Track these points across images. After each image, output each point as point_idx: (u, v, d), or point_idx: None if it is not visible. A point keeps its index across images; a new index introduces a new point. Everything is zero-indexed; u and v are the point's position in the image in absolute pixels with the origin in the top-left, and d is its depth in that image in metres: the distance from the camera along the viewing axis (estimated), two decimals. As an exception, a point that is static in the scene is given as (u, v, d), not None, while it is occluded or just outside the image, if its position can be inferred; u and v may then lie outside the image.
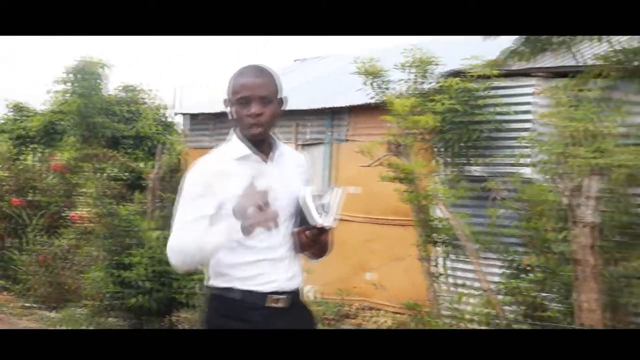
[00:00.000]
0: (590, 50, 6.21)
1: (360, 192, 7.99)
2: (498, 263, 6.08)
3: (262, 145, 2.71)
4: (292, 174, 2.77)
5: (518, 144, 6.45)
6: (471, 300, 6.13)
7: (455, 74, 7.15)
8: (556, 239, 5.44)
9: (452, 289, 6.56)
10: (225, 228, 2.57)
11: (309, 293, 7.23)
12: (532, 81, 6.91)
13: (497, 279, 5.99)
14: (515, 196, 5.95)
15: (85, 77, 11.36)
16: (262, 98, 2.63)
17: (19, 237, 9.63)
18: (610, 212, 5.46)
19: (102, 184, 9.61)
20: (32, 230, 9.55)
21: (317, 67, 11.93)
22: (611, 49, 5.41)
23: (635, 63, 5.21)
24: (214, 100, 11.19)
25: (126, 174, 11.52)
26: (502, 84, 6.99)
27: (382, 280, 7.89)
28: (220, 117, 10.48)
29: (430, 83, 7.23)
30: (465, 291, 6.27)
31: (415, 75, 7.20)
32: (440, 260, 6.60)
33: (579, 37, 5.45)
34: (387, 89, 7.27)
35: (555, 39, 5.44)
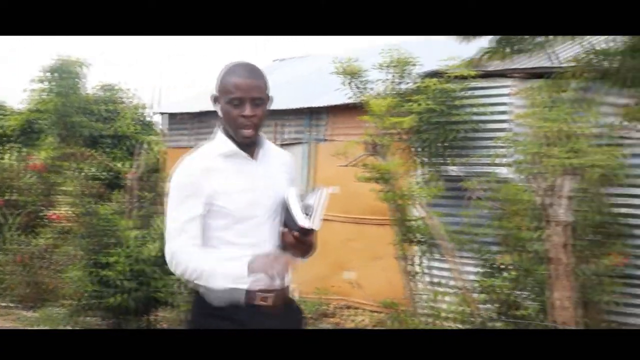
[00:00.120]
0: (564, 53, 6.29)
1: (339, 192, 8.02)
2: (473, 262, 6.15)
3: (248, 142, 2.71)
4: (278, 171, 2.77)
5: (494, 144, 6.49)
6: (447, 298, 6.18)
7: (433, 74, 7.21)
8: (530, 238, 5.52)
9: (428, 287, 6.61)
10: (231, 269, 2.54)
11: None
12: (509, 82, 6.98)
13: (472, 277, 6.05)
14: (490, 195, 6.02)
15: (64, 76, 11.32)
16: (255, 99, 2.61)
17: (-4, 237, 9.57)
18: (583, 212, 5.56)
19: (80, 184, 9.57)
20: (10, 229, 9.47)
21: (296, 67, 11.92)
22: (584, 51, 5.49)
23: (606, 64, 5.29)
24: (192, 99, 11.20)
25: (105, 173, 11.48)
26: (479, 84, 7.05)
27: (360, 279, 7.92)
28: (199, 116, 10.48)
29: (408, 83, 7.28)
30: (441, 289, 6.32)
31: (394, 76, 7.23)
32: (417, 259, 6.64)
33: (554, 38, 5.51)
34: (365, 89, 7.30)
35: (530, 39, 5.50)
